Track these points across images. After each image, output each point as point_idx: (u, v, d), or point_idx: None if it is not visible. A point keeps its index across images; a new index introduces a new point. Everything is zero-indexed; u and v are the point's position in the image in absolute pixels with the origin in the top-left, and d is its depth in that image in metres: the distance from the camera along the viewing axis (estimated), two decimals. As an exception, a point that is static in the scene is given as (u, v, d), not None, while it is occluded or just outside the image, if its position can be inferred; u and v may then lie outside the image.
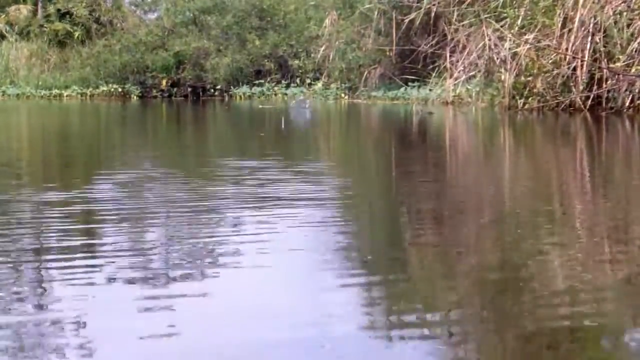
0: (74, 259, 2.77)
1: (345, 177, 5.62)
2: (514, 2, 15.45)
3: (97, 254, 2.87)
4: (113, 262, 2.69)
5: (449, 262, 2.79)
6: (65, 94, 28.71)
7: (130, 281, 2.39)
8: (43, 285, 2.41)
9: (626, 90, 13.16)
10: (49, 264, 2.69)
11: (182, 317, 2.05)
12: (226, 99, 26.83)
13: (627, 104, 13.10)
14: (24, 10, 31.21)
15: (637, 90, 13.07)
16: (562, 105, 13.96)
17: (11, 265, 2.63)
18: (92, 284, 2.41)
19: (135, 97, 28.39)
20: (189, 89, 28.85)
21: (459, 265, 2.74)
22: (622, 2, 13.64)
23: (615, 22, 13.55)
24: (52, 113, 18.77)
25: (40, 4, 31.44)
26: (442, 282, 2.50)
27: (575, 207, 4.19)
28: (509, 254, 2.93)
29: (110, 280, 2.41)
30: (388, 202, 4.29)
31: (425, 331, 1.98)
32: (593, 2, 13.73)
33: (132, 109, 21.02)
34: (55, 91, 28.92)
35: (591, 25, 13.69)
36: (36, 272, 2.58)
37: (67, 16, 30.79)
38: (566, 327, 2.04)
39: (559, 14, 14.18)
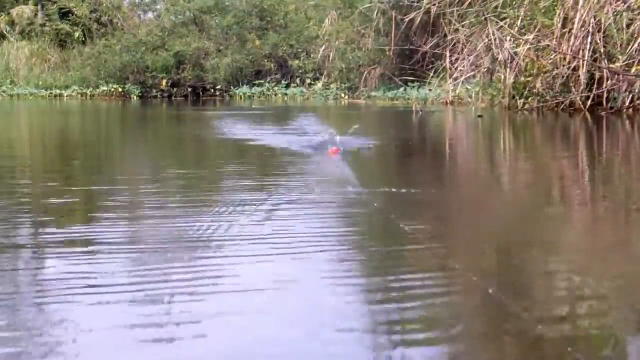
0: (70, 270, 2.76)
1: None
2: (514, 2, 15.46)
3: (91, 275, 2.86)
4: (109, 271, 2.68)
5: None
6: (65, 94, 28.73)
7: (127, 301, 2.35)
8: (36, 297, 2.38)
9: (626, 90, 13.16)
10: (43, 275, 2.68)
11: (179, 342, 2.01)
12: (226, 97, 26.84)
13: (627, 103, 13.10)
14: (27, 10, 31.24)
15: (637, 90, 13.07)
16: (562, 105, 13.97)
17: (6, 274, 2.62)
18: (87, 293, 2.40)
19: (135, 97, 28.41)
20: (189, 89, 28.87)
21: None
22: (622, 2, 13.64)
23: (615, 22, 13.55)
24: (52, 113, 18.77)
25: (40, 4, 31.45)
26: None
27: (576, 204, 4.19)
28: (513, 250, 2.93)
29: (107, 301, 2.39)
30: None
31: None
32: (593, 2, 13.73)
33: (132, 109, 21.02)
34: (55, 91, 28.95)
35: (591, 25, 13.69)
36: (29, 283, 2.58)
37: (68, 15, 30.81)
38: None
39: (559, 14, 14.18)
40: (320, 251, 2.87)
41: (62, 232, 3.26)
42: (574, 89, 13.87)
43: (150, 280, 2.45)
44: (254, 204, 3.85)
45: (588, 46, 13.72)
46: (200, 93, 28.75)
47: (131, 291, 2.33)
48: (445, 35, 18.41)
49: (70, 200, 4.28)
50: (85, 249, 2.93)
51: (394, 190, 4.42)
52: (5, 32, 31.03)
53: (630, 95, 13.10)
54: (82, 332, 1.99)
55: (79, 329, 2.01)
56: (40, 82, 29.42)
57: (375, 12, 22.37)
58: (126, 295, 2.29)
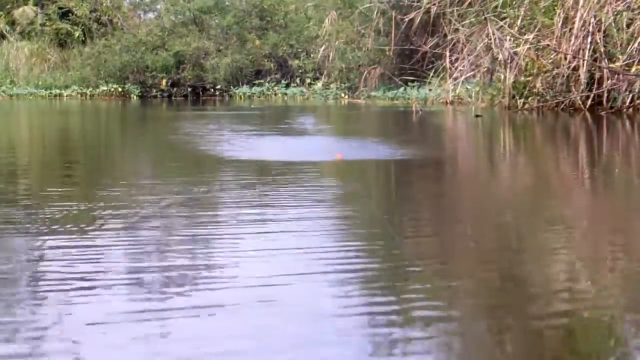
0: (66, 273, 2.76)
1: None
2: (514, 2, 15.44)
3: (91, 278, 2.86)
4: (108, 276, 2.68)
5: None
6: (65, 94, 28.72)
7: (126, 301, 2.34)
8: (35, 305, 2.37)
9: (626, 90, 13.15)
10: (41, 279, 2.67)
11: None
12: (226, 98, 26.83)
13: (627, 103, 13.09)
14: (29, 11, 31.22)
15: (637, 90, 13.06)
16: (562, 105, 13.96)
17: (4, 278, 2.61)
18: (82, 302, 2.39)
19: (135, 96, 28.40)
20: (189, 89, 28.85)
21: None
22: (622, 2, 13.62)
23: (615, 22, 13.54)
24: (51, 113, 18.78)
25: (40, 4, 31.42)
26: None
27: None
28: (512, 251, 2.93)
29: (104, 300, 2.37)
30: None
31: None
32: (593, 2, 13.72)
33: (132, 110, 21.02)
34: (55, 91, 28.93)
35: (591, 25, 13.68)
36: (29, 289, 2.57)
37: (68, 15, 30.79)
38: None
39: (559, 14, 14.17)
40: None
41: (60, 235, 3.25)
42: (574, 89, 13.86)
43: (148, 291, 2.44)
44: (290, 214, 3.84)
45: (588, 46, 13.71)
46: (200, 93, 28.73)
47: (128, 284, 2.33)
48: (445, 35, 18.39)
49: (68, 203, 4.27)
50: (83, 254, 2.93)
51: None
52: (5, 32, 31.01)
53: (630, 95, 13.09)
54: (79, 328, 1.99)
55: (74, 327, 2.01)
56: (40, 82, 29.41)
57: (375, 12, 22.35)
58: (124, 290, 2.29)
